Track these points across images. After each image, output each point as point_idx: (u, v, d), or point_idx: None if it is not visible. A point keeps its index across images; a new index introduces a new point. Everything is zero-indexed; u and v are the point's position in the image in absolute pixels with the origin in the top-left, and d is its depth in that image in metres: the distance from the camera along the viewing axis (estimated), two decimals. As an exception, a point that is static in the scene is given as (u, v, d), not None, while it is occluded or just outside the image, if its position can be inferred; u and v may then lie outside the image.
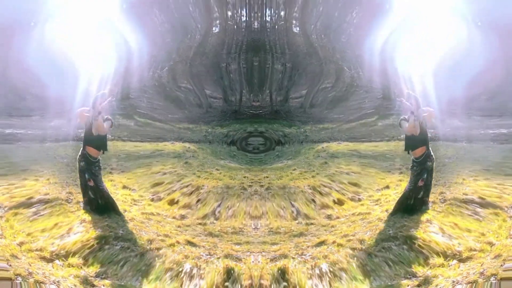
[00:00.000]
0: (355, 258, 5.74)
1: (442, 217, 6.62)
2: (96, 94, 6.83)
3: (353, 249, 5.94)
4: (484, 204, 6.86)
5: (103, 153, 6.85)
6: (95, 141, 6.72)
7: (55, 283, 5.29)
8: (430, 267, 5.60)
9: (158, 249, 5.99)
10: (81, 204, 6.96)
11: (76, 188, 7.25)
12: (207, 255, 5.92)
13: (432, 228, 6.32)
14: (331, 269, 5.59)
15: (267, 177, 7.85)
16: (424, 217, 6.57)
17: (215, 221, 6.80)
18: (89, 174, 6.79)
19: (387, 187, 7.76)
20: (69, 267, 5.62)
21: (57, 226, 6.37)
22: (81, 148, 6.80)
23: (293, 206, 7.10)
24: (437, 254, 5.78)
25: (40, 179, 7.66)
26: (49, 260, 5.72)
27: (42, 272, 5.44)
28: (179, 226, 6.70)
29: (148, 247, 5.98)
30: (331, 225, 6.74)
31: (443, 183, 7.54)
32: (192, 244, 6.18)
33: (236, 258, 5.88)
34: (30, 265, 5.54)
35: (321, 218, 6.89)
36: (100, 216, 6.67)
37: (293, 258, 5.83)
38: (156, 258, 5.77)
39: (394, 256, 5.75)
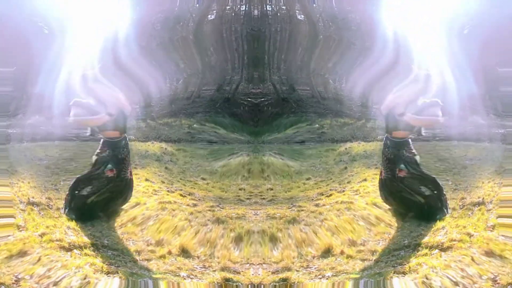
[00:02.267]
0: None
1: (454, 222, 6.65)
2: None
3: (364, 260, 5.87)
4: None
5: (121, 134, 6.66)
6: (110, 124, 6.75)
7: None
8: (416, 257, 5.81)
9: (148, 260, 5.85)
10: (62, 211, 6.88)
11: (55, 193, 7.43)
12: (201, 267, 5.87)
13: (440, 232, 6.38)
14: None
15: (271, 189, 7.94)
16: (440, 224, 6.57)
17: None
18: (113, 163, 6.70)
19: (365, 179, 8.36)
20: (86, 256, 5.79)
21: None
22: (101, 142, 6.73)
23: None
24: (426, 247, 6.03)
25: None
26: (68, 250, 5.90)
27: (48, 268, 5.45)
28: (191, 213, 7.06)
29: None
30: (318, 212, 7.14)
31: (465, 188, 7.71)
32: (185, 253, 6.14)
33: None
34: (40, 258, 5.62)
35: (310, 206, 7.32)
36: (83, 223, 6.61)
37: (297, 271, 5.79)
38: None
39: (397, 259, 5.84)
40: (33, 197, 7.37)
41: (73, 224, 6.68)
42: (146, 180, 8.40)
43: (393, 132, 6.82)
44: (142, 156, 9.43)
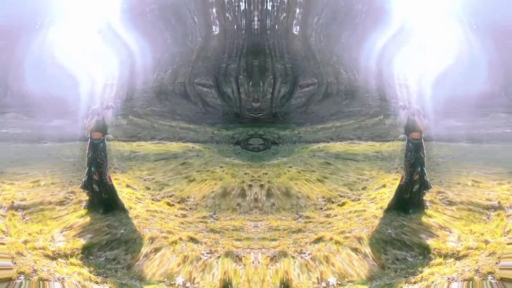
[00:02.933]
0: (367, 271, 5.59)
1: (463, 225, 6.48)
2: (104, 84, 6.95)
3: (354, 249, 5.85)
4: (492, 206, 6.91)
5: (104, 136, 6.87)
6: (96, 127, 6.82)
7: (59, 280, 5.27)
8: (429, 266, 5.61)
9: (157, 250, 5.89)
10: (83, 204, 6.95)
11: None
12: (207, 253, 5.88)
13: (451, 237, 6.20)
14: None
15: (266, 173, 7.89)
16: (433, 220, 6.48)
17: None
18: (95, 165, 6.78)
19: (384, 186, 7.88)
20: (71, 265, 5.56)
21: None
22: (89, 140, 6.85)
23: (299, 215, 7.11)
24: (440, 256, 5.80)
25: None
26: (53, 258, 5.68)
27: (47, 269, 5.44)
28: (182, 223, 6.75)
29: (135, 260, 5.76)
30: (328, 222, 6.78)
31: (439, 182, 7.59)
32: (194, 240, 6.17)
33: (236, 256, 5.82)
34: (36, 262, 5.53)
35: (320, 217, 6.95)
36: (103, 214, 6.66)
37: (293, 257, 5.77)
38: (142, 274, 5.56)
39: (408, 267, 5.63)
40: (19, 200, 7.06)
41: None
42: (127, 186, 7.89)
43: (412, 133, 6.78)
44: (123, 158, 8.89)
